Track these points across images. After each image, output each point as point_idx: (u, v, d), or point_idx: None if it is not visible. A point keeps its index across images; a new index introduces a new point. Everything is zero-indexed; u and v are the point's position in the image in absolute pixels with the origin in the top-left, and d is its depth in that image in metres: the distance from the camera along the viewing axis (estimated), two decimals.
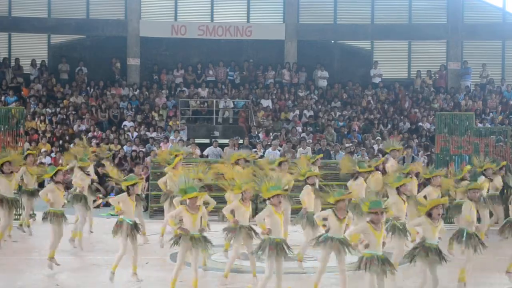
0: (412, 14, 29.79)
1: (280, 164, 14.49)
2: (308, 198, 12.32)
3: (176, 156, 15.04)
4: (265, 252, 9.60)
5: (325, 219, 10.23)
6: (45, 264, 12.01)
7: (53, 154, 22.80)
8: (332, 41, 30.20)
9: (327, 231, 10.12)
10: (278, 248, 9.59)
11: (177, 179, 13.11)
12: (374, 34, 29.79)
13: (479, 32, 29.42)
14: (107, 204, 19.20)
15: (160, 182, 14.65)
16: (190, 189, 9.98)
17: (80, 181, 14.31)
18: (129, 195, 10.98)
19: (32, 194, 15.08)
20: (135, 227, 10.99)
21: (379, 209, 9.09)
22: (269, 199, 9.78)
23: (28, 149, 15.50)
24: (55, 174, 12.22)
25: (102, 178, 16.96)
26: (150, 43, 29.00)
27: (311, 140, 23.77)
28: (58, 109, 25.77)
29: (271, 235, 9.62)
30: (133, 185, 10.98)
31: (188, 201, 10.00)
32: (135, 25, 28.98)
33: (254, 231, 10.84)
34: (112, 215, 17.91)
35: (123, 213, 10.95)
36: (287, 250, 9.69)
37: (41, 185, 16.04)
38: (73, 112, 25.54)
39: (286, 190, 9.87)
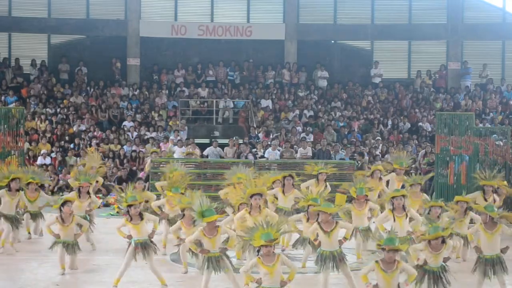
0: (412, 14, 29.84)
1: (284, 179, 13.77)
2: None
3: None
4: None
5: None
6: (45, 264, 11.93)
7: (53, 154, 22.81)
8: (332, 41, 30.22)
9: (318, 246, 10.03)
10: None
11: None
12: (374, 34, 29.83)
13: (479, 32, 29.45)
14: (107, 204, 19.22)
15: (155, 206, 13.88)
16: (207, 212, 9.64)
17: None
18: (129, 219, 10.58)
19: (36, 216, 14.43)
20: (144, 246, 10.57)
21: (392, 246, 8.47)
22: (258, 250, 8.85)
23: (31, 177, 14.97)
24: (62, 205, 11.67)
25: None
26: (150, 43, 29.01)
27: (311, 140, 23.74)
28: (58, 109, 25.79)
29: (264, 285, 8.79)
30: (130, 206, 10.58)
31: (205, 224, 9.68)
32: (135, 25, 29.00)
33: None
34: (112, 215, 17.93)
35: (130, 237, 10.64)
36: None
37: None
38: (73, 112, 25.56)
39: (276, 240, 8.84)
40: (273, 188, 13.90)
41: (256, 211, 10.86)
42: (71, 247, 11.65)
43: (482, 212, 10.22)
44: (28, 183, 14.22)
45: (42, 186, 15.28)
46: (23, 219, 14.17)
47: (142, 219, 10.59)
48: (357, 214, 12.63)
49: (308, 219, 11.55)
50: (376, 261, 8.53)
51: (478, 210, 10.78)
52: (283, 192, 13.64)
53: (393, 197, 11.46)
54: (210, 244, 9.65)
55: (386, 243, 8.50)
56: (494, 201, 14.22)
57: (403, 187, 14.76)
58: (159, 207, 13.82)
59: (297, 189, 13.59)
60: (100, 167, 16.36)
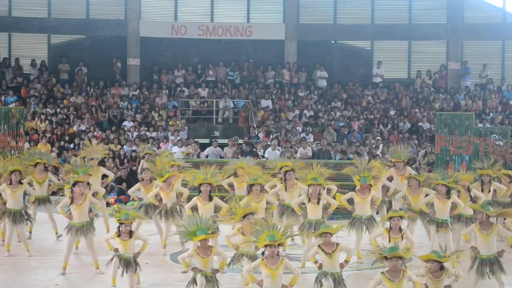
0: (412, 14, 29.86)
1: (286, 173, 13.66)
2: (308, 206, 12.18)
3: (172, 166, 14.62)
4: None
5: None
6: (44, 264, 12.04)
7: (53, 154, 22.78)
8: (332, 41, 30.24)
9: (319, 267, 9.88)
10: None
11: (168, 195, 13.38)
12: (374, 34, 29.86)
13: (479, 32, 29.47)
14: (107, 204, 19.22)
15: (151, 196, 13.82)
16: (199, 231, 9.51)
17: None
18: (118, 234, 10.58)
19: (44, 201, 14.49)
20: (126, 263, 10.55)
21: (395, 254, 8.51)
22: (263, 253, 9.00)
23: (39, 157, 14.95)
24: (73, 185, 11.82)
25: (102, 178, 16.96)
26: (150, 43, 29.03)
27: (311, 140, 23.77)
28: (58, 109, 25.80)
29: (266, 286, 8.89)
30: (122, 223, 10.53)
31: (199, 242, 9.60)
32: (135, 25, 29.02)
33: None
34: (112, 215, 17.92)
35: (117, 250, 10.66)
36: None
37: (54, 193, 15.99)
38: (73, 112, 25.56)
39: (280, 240, 8.93)
40: (279, 173, 13.91)
41: (248, 230, 10.27)
42: (85, 227, 11.75)
43: (479, 211, 10.20)
44: (36, 164, 14.39)
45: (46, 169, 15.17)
46: (27, 218, 13.80)
47: (131, 237, 10.60)
48: (361, 202, 12.71)
49: (310, 199, 11.88)
50: (382, 273, 8.53)
51: (475, 209, 10.84)
52: (285, 188, 13.53)
53: (390, 218, 11.23)
54: (203, 264, 9.53)
55: (389, 251, 8.52)
56: (491, 190, 14.25)
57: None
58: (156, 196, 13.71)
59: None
60: (104, 156, 16.33)
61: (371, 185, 12.97)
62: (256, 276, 9.03)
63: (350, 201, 13.13)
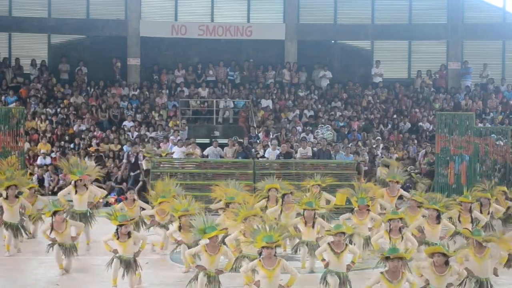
0: (412, 14, 29.92)
1: (283, 196, 13.47)
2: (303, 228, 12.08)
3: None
4: None
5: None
6: (44, 264, 12.03)
7: (53, 154, 22.82)
8: (332, 41, 30.30)
9: (326, 266, 9.98)
10: None
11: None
12: (374, 34, 29.93)
13: (479, 32, 29.53)
14: (107, 204, 19.25)
15: (145, 215, 13.88)
16: (209, 229, 9.64)
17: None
18: (117, 236, 10.64)
19: (36, 219, 14.33)
20: (127, 264, 10.58)
21: (396, 254, 8.59)
22: (260, 253, 9.08)
23: (29, 185, 14.81)
24: (54, 214, 11.71)
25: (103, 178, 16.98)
26: (150, 43, 29.08)
27: (312, 140, 23.73)
28: (58, 109, 25.83)
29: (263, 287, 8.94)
30: (121, 225, 10.60)
31: (208, 240, 9.65)
32: (135, 25, 29.08)
33: None
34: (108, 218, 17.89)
35: (116, 251, 10.71)
36: None
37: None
38: (73, 112, 25.60)
39: (277, 242, 8.99)
40: (268, 197, 13.72)
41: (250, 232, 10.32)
42: (68, 249, 11.74)
43: (469, 236, 10.19)
44: (30, 188, 14.40)
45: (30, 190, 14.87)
46: (25, 232, 13.88)
47: (129, 237, 10.66)
48: (358, 223, 12.64)
49: (306, 223, 11.80)
50: (381, 272, 8.56)
51: (465, 235, 10.82)
52: (281, 210, 13.27)
53: (390, 219, 11.36)
54: (209, 262, 9.56)
55: (390, 252, 8.57)
56: (490, 212, 14.18)
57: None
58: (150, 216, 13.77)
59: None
60: (97, 178, 16.21)
61: (368, 206, 12.98)
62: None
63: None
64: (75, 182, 13.45)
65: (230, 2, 30.06)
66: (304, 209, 11.90)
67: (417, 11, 29.90)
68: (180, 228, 11.64)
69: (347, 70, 29.58)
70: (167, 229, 13.04)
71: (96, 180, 17.07)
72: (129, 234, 10.66)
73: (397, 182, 15.05)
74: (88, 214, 13.57)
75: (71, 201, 13.73)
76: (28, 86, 27.15)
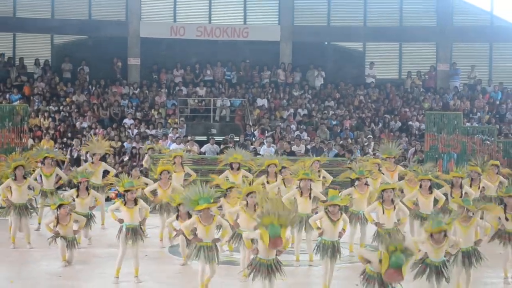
0: (403, 17, 29.99)
1: (281, 170, 13.68)
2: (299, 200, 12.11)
3: (175, 157, 14.84)
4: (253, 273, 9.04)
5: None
6: (48, 256, 12.22)
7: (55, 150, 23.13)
8: (326, 43, 30.38)
9: (321, 234, 10.11)
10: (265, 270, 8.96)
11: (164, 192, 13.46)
12: (367, 36, 30.00)
13: (468, 35, 29.63)
14: (108, 199, 19.64)
15: (148, 191, 13.74)
16: (202, 200, 9.65)
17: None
18: (124, 203, 10.77)
19: (51, 194, 14.45)
20: (134, 232, 10.71)
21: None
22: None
23: (46, 152, 15.22)
24: (58, 207, 11.75)
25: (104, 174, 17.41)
26: (150, 43, 29.13)
27: (305, 138, 23.89)
28: (61, 107, 25.94)
29: (260, 255, 8.98)
30: (127, 191, 10.75)
31: (201, 211, 9.70)
32: (135, 26, 29.16)
33: None
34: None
35: (122, 220, 10.81)
36: (273, 273, 9.00)
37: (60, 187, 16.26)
38: (76, 110, 25.71)
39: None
40: (267, 173, 13.92)
41: (251, 209, 10.55)
42: (70, 242, 11.84)
43: (460, 205, 10.47)
44: (45, 158, 14.69)
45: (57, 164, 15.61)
46: (32, 210, 14.00)
47: (136, 204, 10.82)
48: (359, 197, 12.93)
49: (301, 194, 11.94)
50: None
51: (456, 203, 11.09)
52: (284, 184, 13.45)
53: (383, 190, 11.55)
54: (205, 232, 9.66)
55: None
56: (480, 187, 14.57)
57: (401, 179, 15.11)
58: (152, 192, 13.76)
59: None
60: (107, 153, 16.64)
61: (367, 177, 13.27)
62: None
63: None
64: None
65: (227, 4, 30.09)
66: (301, 179, 11.95)
67: (407, 14, 29.96)
68: (178, 217, 11.65)
69: (340, 71, 29.54)
70: (167, 211, 13.32)
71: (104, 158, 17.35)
72: (135, 201, 10.81)
73: (393, 157, 15.58)
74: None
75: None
76: (31, 85, 27.19)
